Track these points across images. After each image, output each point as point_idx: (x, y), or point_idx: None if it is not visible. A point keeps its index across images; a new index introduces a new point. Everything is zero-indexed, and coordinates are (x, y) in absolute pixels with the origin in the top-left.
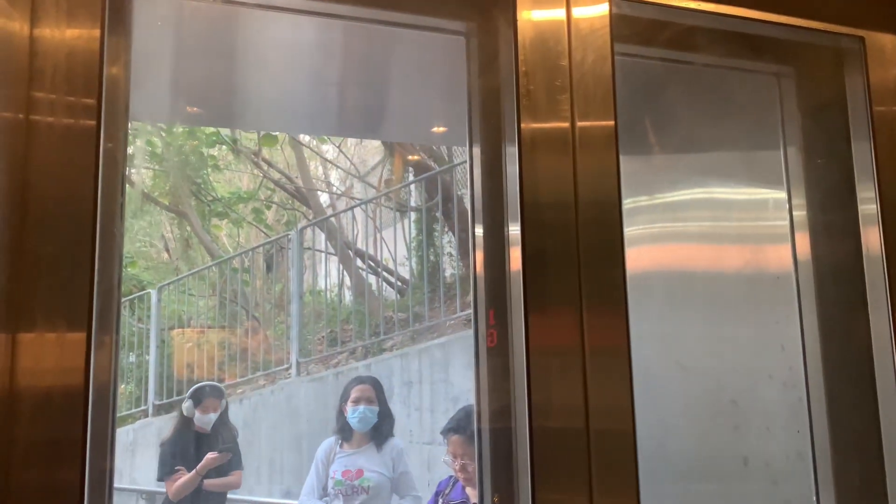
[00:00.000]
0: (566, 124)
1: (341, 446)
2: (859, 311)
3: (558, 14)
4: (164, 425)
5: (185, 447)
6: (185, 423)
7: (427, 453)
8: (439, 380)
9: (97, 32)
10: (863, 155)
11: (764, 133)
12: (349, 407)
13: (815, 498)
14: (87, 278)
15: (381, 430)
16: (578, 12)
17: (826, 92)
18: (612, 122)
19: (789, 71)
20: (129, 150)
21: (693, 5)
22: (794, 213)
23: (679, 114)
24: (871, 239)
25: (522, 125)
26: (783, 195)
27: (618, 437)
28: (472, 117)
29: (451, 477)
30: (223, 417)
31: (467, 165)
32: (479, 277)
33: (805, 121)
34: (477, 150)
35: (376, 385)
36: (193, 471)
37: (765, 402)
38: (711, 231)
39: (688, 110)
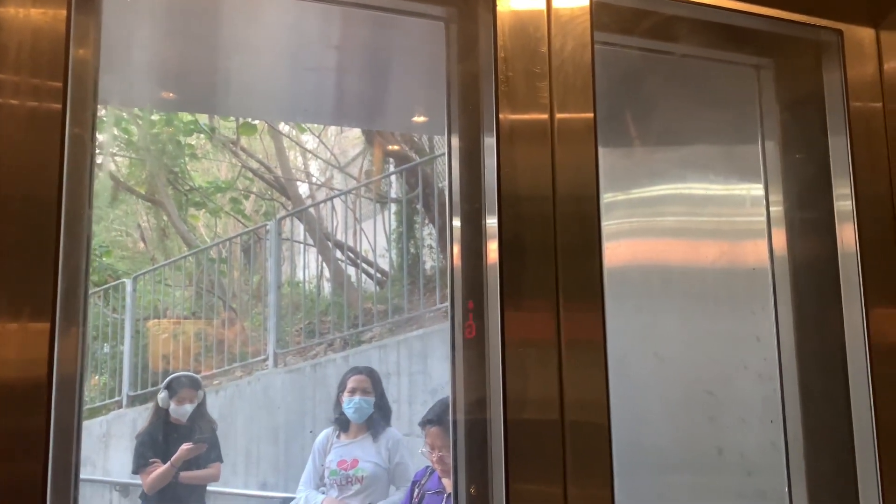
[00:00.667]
0: (545, 113)
1: (338, 437)
2: (833, 304)
3: (538, 1)
4: (139, 416)
5: (160, 439)
6: (161, 414)
7: (408, 444)
8: (418, 371)
9: (63, 12)
10: (839, 151)
11: (742, 126)
12: (345, 397)
13: (787, 488)
14: (50, 266)
15: (377, 421)
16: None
17: (805, 86)
18: (591, 111)
19: (768, 63)
20: (104, 137)
21: None
22: (772, 208)
23: (658, 106)
24: (847, 235)
25: (501, 112)
26: (760, 191)
27: (592, 429)
28: (451, 105)
29: (427, 467)
30: (200, 408)
31: (445, 155)
32: (456, 270)
33: (783, 115)
34: (455, 140)
35: (373, 376)
36: (168, 463)
37: (740, 394)
38: (689, 226)
39: (666, 102)
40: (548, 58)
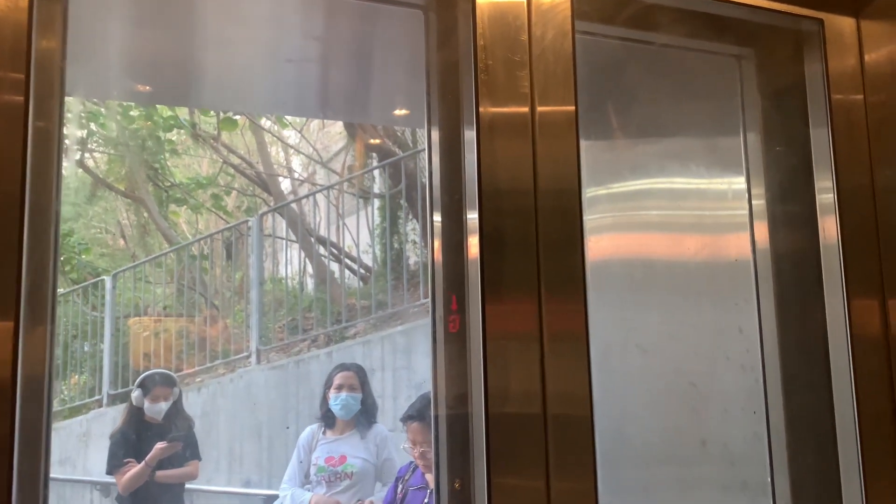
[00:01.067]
0: (526, 103)
1: (324, 433)
2: (815, 296)
3: None
4: (119, 415)
5: (135, 438)
6: (135, 413)
7: (393, 440)
8: (401, 367)
9: (25, 1)
10: (821, 143)
11: (724, 118)
12: (332, 394)
13: (770, 478)
14: (13, 264)
15: (364, 418)
16: None
17: (786, 77)
18: (572, 100)
19: (750, 53)
20: (83, 132)
21: None
22: (754, 201)
23: (639, 97)
24: (829, 227)
25: (480, 101)
26: (742, 184)
27: (575, 422)
28: (431, 95)
29: (410, 463)
30: (176, 406)
31: (425, 148)
32: (437, 264)
33: (765, 106)
34: (435, 132)
35: (360, 372)
36: (143, 462)
37: (723, 385)
38: (671, 220)
39: (647, 93)
40: (528, 46)
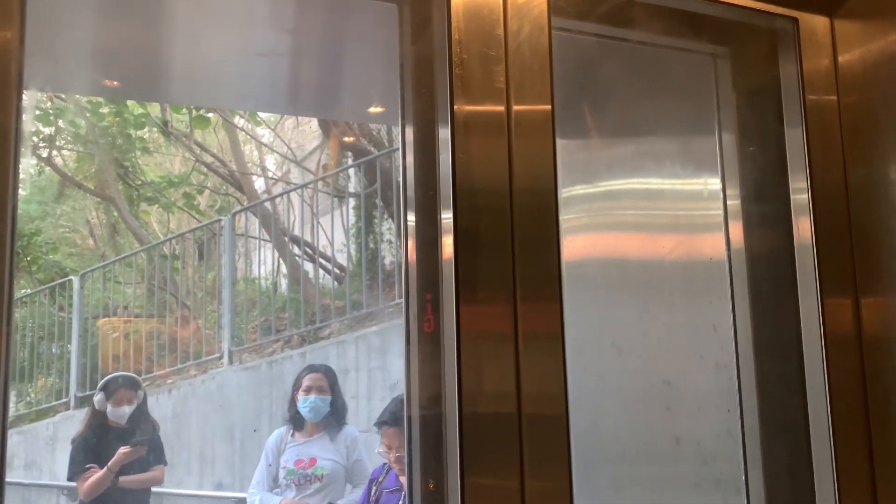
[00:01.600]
0: (502, 99)
1: (293, 435)
2: (789, 295)
3: None
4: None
5: (97, 443)
6: (98, 417)
7: (365, 441)
8: (376, 367)
9: None
10: (795, 144)
11: (699, 117)
12: (300, 396)
13: (744, 476)
14: None
15: (334, 419)
16: None
17: (762, 76)
18: (548, 96)
19: (725, 52)
20: (50, 130)
21: None
22: (729, 202)
23: (613, 96)
24: (803, 227)
25: (455, 96)
26: (717, 184)
27: (550, 421)
28: (405, 90)
29: (384, 465)
30: (141, 410)
31: (399, 144)
32: (411, 264)
33: (740, 106)
34: (409, 130)
35: (329, 374)
36: (105, 468)
37: (697, 383)
38: (646, 220)
39: (622, 92)
40: (504, 41)
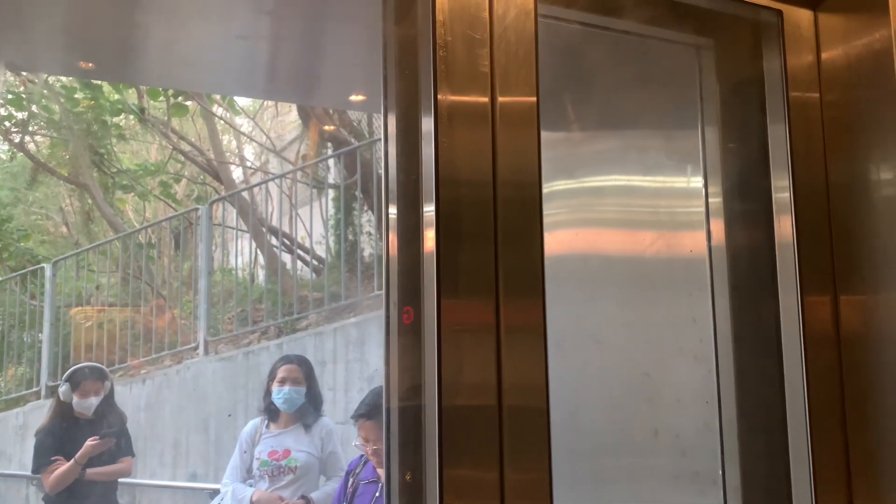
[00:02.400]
0: (486, 86)
1: (267, 427)
2: (768, 291)
3: None
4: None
5: (63, 435)
6: (63, 409)
7: (341, 433)
8: (354, 359)
9: None
10: (778, 140)
11: (682, 112)
12: (275, 387)
13: (721, 468)
14: None
15: (309, 411)
16: None
17: (745, 70)
18: (533, 84)
19: (709, 43)
20: (23, 115)
21: None
22: (710, 198)
23: (596, 88)
24: (784, 225)
25: (439, 80)
26: (699, 181)
27: (530, 413)
28: (388, 74)
29: (361, 456)
30: (108, 401)
31: (381, 137)
32: (392, 257)
33: (723, 100)
34: (392, 115)
35: (304, 365)
36: (72, 460)
37: (676, 375)
38: (628, 215)
39: (606, 84)
40: (489, 24)
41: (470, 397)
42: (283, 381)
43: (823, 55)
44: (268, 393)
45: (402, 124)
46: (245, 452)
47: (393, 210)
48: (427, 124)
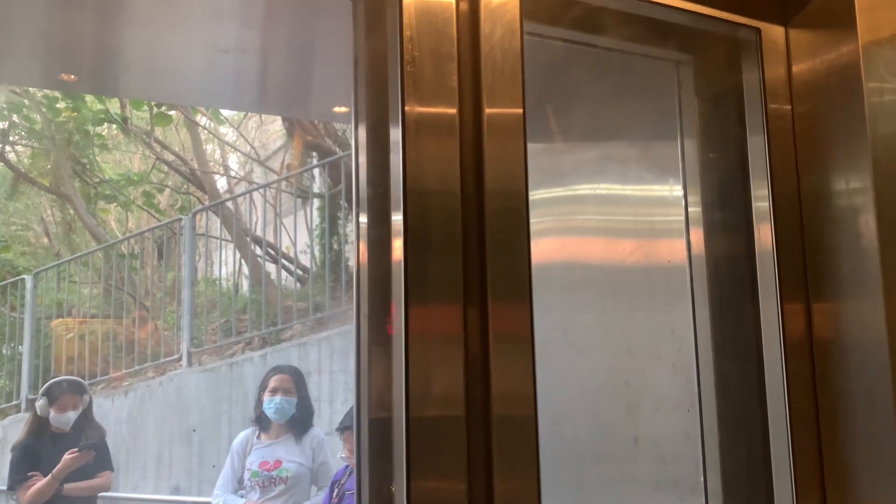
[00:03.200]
0: (454, 100)
1: (258, 437)
2: (749, 299)
3: None
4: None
5: (40, 450)
6: (40, 423)
7: (329, 443)
8: (339, 369)
9: None
10: (757, 151)
11: (662, 124)
12: (266, 397)
13: (702, 476)
14: None
15: (300, 421)
16: None
17: (722, 84)
18: (519, 98)
19: (688, 59)
20: (4, 124)
21: None
22: (690, 208)
23: (577, 101)
24: (764, 234)
25: (407, 95)
26: (678, 190)
27: (514, 423)
28: (358, 88)
29: (347, 467)
30: (86, 415)
31: (352, 144)
32: (363, 266)
33: (702, 113)
34: (362, 129)
35: (296, 375)
36: (49, 475)
37: (655, 384)
38: (608, 224)
39: (584, 98)
40: (456, 40)
41: (438, 409)
42: (274, 391)
43: (794, 68)
44: (259, 403)
45: (372, 136)
46: (236, 463)
47: (364, 220)
48: (395, 135)
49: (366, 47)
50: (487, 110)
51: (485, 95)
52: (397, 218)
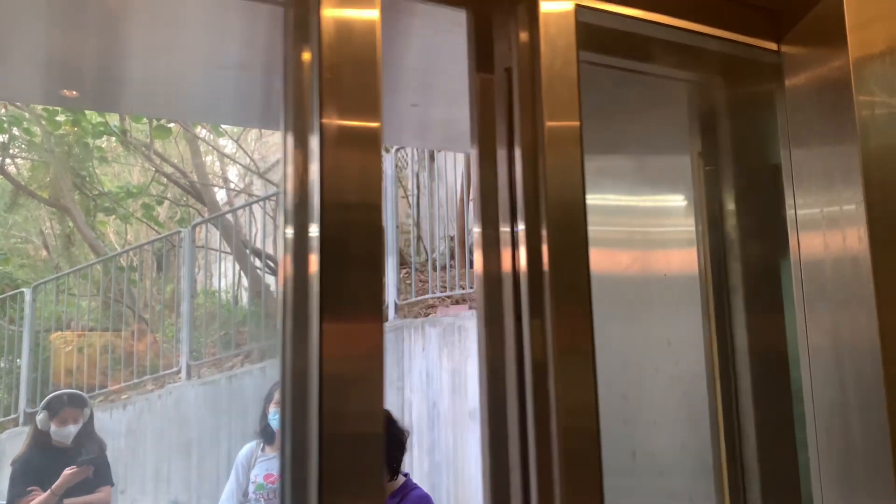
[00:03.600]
0: (375, 110)
1: (263, 450)
2: (745, 311)
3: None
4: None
5: (40, 464)
6: (41, 437)
7: None
8: None
9: None
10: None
11: (660, 138)
12: (272, 409)
13: (697, 487)
14: None
15: None
16: None
17: (721, 100)
18: (576, 113)
19: (691, 76)
20: (4, 137)
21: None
22: (691, 221)
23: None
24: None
25: (325, 104)
26: (675, 203)
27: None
28: (287, 98)
29: None
30: (87, 428)
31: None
32: (287, 280)
33: (701, 129)
34: (290, 138)
35: None
36: (49, 490)
37: (652, 397)
38: (605, 235)
39: (589, 111)
40: (375, 49)
41: (354, 425)
42: (279, 403)
43: (787, 83)
44: (264, 416)
45: (297, 146)
46: (240, 477)
47: (289, 231)
48: (313, 144)
49: (293, 55)
50: (548, 123)
51: (546, 109)
52: (314, 231)
